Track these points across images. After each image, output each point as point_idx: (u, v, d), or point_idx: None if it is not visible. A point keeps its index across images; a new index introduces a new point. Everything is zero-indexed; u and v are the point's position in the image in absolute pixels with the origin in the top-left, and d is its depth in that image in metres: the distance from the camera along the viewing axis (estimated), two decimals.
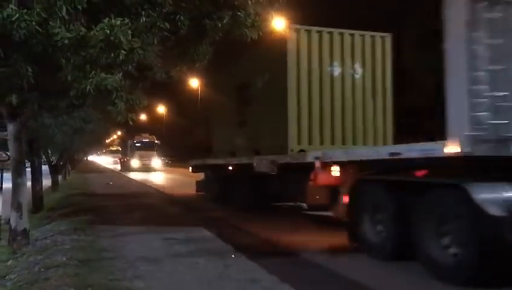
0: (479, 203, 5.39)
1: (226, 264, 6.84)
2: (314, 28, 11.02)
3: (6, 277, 6.81)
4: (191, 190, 18.52)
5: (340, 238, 8.12)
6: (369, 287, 5.85)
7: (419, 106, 24.45)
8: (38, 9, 5.56)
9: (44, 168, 17.84)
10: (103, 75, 5.82)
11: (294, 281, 5.96)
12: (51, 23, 5.63)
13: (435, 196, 6.14)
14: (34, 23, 5.49)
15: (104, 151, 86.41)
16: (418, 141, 6.76)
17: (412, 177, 6.52)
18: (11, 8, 5.42)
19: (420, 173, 6.40)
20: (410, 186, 6.53)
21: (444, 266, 5.98)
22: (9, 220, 8.60)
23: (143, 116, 47.06)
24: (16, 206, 8.33)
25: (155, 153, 45.89)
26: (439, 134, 6.23)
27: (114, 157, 75.52)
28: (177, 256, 7.47)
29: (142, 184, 27.32)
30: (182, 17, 6.58)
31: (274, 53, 11.36)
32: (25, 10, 5.50)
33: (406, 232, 6.53)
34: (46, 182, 17.65)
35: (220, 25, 6.96)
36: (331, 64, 10.77)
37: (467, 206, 5.53)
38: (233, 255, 7.27)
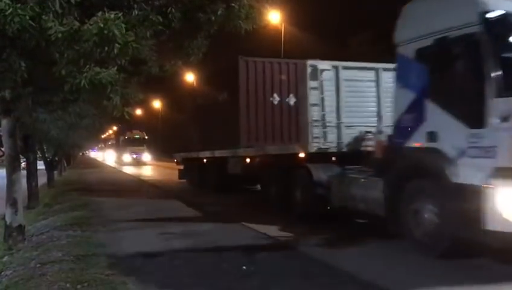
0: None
1: (223, 258, 6.85)
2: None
3: (2, 273, 6.82)
4: None
5: None
6: None
7: None
8: (31, 4, 5.52)
9: (40, 164, 17.77)
10: (97, 69, 5.79)
11: (291, 275, 5.99)
12: (44, 17, 5.58)
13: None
14: (27, 17, 5.44)
15: (110, 144, 62.97)
16: None
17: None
18: (5, 2, 5.37)
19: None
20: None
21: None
22: (4, 216, 8.57)
23: (138, 111, 43.95)
24: (11, 202, 8.31)
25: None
26: None
27: (132, 152, 45.78)
28: (174, 250, 7.47)
29: None
30: (173, 10, 6.55)
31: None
32: (19, 5, 5.46)
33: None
34: (42, 178, 17.57)
35: (213, 18, 6.92)
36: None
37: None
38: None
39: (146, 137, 46.19)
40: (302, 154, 10.18)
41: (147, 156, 45.33)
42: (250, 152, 13.23)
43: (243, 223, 9.79)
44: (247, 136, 13.40)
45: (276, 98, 13.45)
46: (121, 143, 49.54)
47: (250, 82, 13.49)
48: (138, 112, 41.09)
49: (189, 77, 40.07)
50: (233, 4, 6.79)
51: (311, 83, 10.20)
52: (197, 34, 7.51)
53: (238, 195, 15.09)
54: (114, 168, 41.43)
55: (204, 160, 17.51)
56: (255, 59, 13.79)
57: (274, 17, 28.75)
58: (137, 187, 20.70)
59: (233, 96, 13.78)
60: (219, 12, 6.82)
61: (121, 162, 46.49)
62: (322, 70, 10.25)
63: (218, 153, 15.55)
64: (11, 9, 5.32)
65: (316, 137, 10.01)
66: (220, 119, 15.08)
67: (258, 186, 14.02)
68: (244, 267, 6.36)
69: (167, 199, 15.39)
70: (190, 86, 23.58)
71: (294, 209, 10.51)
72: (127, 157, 46.43)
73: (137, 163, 43.37)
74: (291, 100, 13.29)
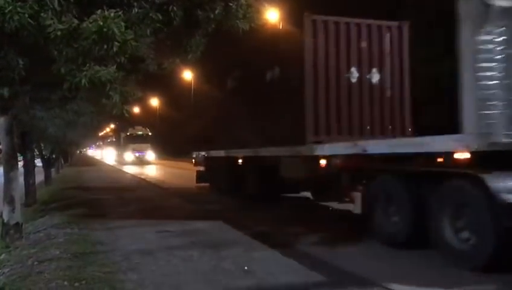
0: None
1: (221, 257, 6.85)
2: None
3: None
4: None
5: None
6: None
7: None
8: (30, 2, 5.50)
9: (37, 162, 17.73)
10: (97, 67, 5.78)
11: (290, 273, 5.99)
12: (42, 15, 5.57)
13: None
14: (26, 15, 5.43)
15: (109, 141, 57.62)
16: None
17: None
18: (4, 0, 5.36)
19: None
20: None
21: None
22: (1, 214, 8.55)
23: (136, 109, 42.82)
24: (9, 200, 8.30)
25: None
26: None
27: (135, 150, 40.67)
28: (171, 249, 7.46)
29: None
30: (174, 8, 6.54)
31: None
32: (18, 3, 5.45)
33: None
34: (39, 176, 17.51)
35: (212, 16, 6.91)
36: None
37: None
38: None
39: (150, 133, 41.97)
40: (463, 155, 6.02)
41: (151, 155, 41.48)
42: (331, 150, 8.68)
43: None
44: (315, 129, 9.60)
45: (355, 74, 9.79)
46: (122, 140, 43.34)
47: (318, 51, 9.66)
48: (136, 109, 40.30)
49: (194, 71, 38.99)
50: (231, 4, 6.78)
51: (483, 34, 5.64)
52: (195, 32, 7.50)
53: (291, 208, 11.97)
54: (114, 166, 38.71)
55: (240, 160, 13.55)
56: (326, 18, 9.91)
57: (272, 16, 28.67)
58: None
59: (293, 73, 10.13)
60: (217, 11, 6.81)
61: (122, 161, 42.34)
62: (506, 9, 5.60)
63: (265, 152, 11.52)
64: (10, 7, 5.31)
65: (492, 125, 5.62)
66: (268, 106, 11.15)
67: (308, 194, 11.22)
68: None
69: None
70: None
71: (443, 251, 6.42)
72: (129, 155, 41.78)
73: (141, 162, 39.36)
74: (374, 77, 9.83)
